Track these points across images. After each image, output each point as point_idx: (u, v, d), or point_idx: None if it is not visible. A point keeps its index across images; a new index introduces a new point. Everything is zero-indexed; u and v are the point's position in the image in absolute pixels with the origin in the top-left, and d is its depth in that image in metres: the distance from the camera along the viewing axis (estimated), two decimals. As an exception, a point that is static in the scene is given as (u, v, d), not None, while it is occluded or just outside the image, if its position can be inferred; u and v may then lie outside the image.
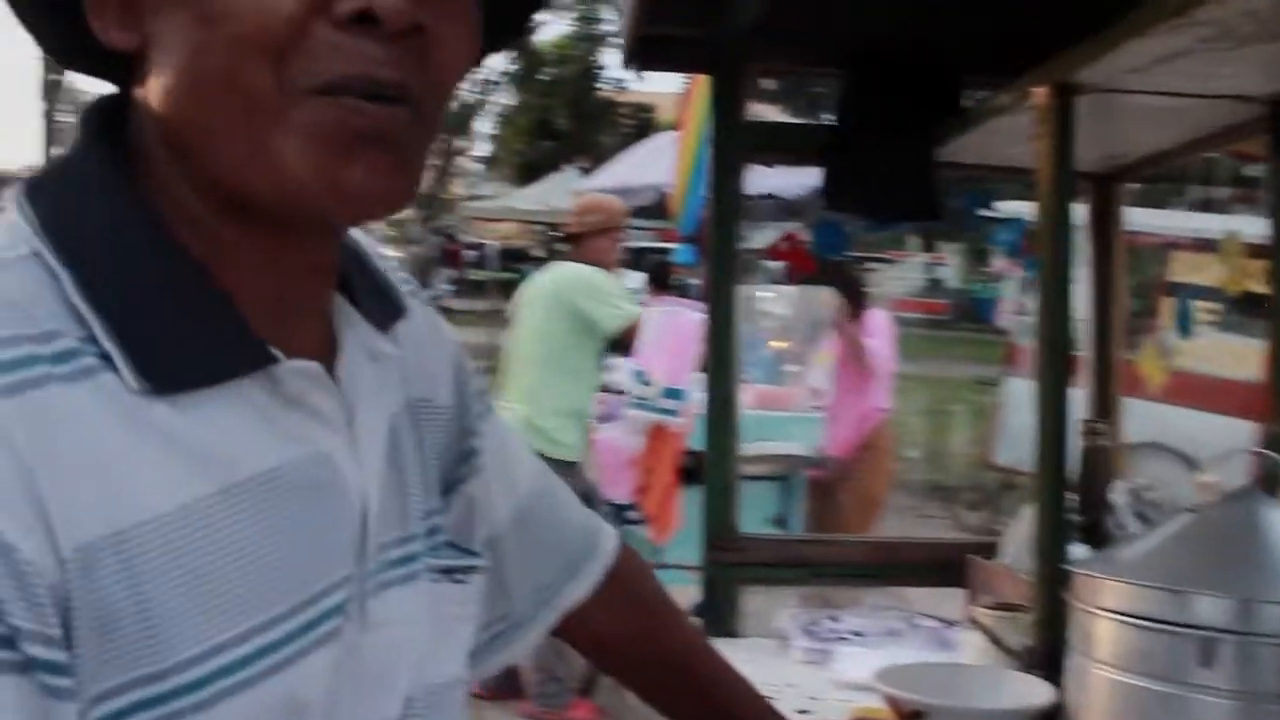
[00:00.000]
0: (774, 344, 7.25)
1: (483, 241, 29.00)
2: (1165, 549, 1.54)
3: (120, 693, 0.69)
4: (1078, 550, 1.84)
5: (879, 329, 6.01)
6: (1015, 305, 9.99)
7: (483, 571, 1.00)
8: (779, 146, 2.30)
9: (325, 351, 0.86)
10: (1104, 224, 2.42)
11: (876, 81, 2.16)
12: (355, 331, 0.89)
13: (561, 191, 20.45)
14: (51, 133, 33.63)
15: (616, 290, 5.38)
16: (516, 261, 25.74)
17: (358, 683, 0.83)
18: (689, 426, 5.19)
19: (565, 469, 5.21)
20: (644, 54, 2.19)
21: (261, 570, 0.76)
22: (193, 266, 0.77)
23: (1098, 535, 1.93)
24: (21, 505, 0.67)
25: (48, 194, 0.78)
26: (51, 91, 32.92)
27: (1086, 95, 1.69)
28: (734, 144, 2.19)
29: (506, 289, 24.95)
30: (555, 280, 5.26)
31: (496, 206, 27.05)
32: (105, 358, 0.73)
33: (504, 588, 1.10)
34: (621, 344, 5.50)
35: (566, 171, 22.88)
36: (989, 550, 2.25)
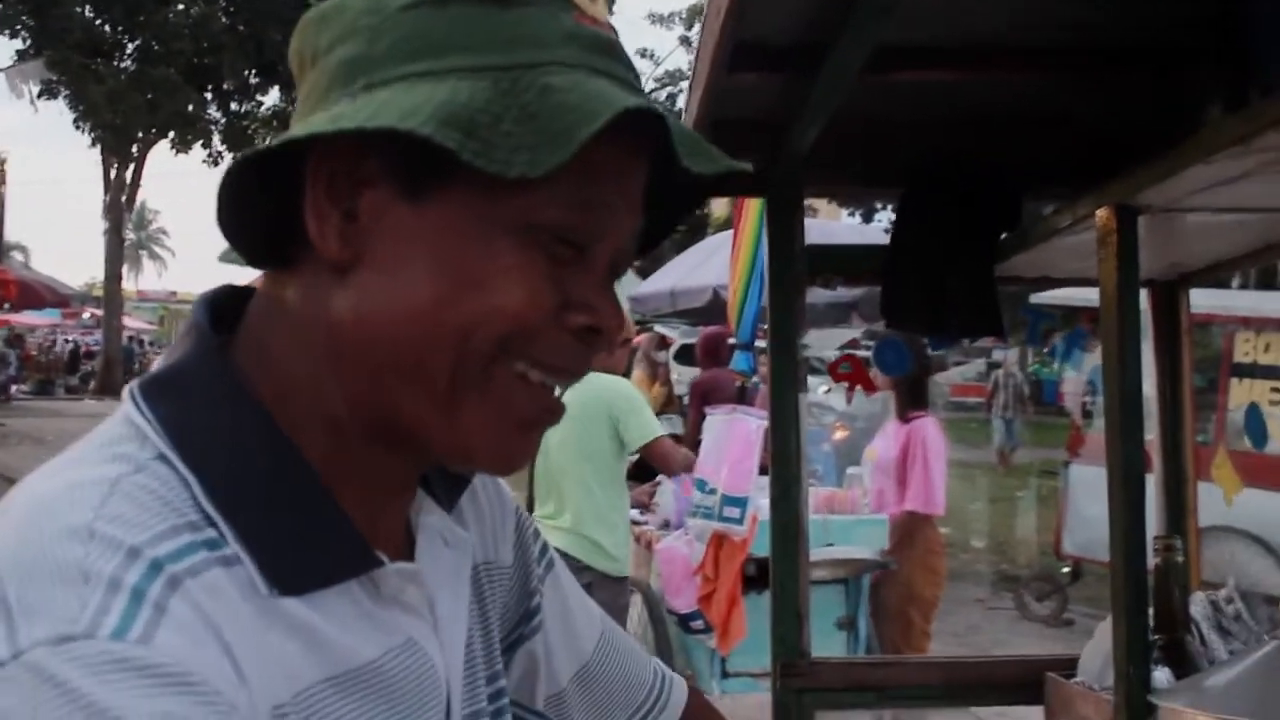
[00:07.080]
0: (837, 435, 7.22)
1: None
2: (1254, 678, 1.49)
3: None
4: (1160, 675, 1.78)
5: (927, 433, 5.92)
6: (1078, 386, 9.84)
7: None
8: (837, 269, 2.29)
9: (404, 539, 0.90)
10: (1169, 324, 2.39)
11: (935, 199, 2.15)
12: (430, 518, 0.92)
13: (618, 293, 20.58)
14: (113, 250, 34.44)
15: (647, 407, 5.44)
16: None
17: None
18: (752, 534, 5.15)
19: (617, 584, 5.17)
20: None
21: None
22: (312, 474, 0.80)
23: (1179, 655, 1.87)
24: (230, 671, 0.70)
25: (168, 397, 0.80)
26: (113, 211, 33.76)
27: (1148, 214, 1.67)
28: (791, 267, 2.19)
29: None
30: (594, 391, 5.01)
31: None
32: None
33: None
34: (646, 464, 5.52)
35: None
36: (1067, 667, 2.19)
